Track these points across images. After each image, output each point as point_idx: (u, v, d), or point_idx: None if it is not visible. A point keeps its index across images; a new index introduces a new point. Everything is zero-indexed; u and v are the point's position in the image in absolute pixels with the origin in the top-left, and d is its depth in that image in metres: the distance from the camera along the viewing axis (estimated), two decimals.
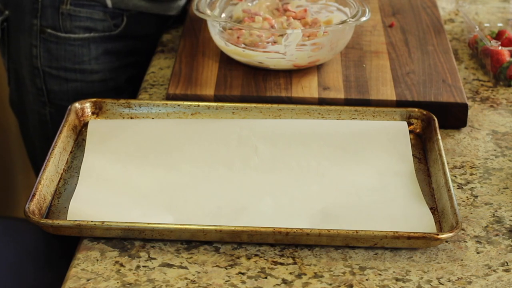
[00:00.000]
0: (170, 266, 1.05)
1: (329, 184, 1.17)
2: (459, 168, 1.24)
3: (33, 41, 1.54)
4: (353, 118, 1.30)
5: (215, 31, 1.39)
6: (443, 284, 1.03)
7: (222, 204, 1.13)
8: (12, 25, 1.57)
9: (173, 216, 1.10)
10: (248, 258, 1.06)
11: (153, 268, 1.04)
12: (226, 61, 1.41)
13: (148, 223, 1.06)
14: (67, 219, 1.10)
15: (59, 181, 1.18)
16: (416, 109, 1.30)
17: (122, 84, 1.60)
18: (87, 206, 1.11)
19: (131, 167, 1.19)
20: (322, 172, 1.19)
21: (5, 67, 1.65)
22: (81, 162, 1.21)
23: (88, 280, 1.02)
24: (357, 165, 1.21)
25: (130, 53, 1.59)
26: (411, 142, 1.28)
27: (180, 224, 1.07)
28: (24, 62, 1.57)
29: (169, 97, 1.33)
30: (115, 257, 1.06)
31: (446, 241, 1.09)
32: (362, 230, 1.05)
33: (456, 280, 1.04)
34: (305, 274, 1.04)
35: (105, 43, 1.55)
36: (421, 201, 1.14)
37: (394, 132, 1.26)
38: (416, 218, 1.11)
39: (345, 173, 1.19)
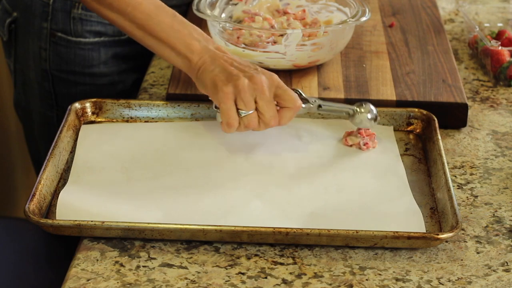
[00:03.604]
0: (170, 266, 1.05)
1: (318, 186, 1.17)
2: (459, 168, 1.24)
3: (42, 44, 1.54)
4: None
5: (215, 31, 1.39)
6: (443, 284, 1.03)
7: (211, 204, 1.13)
8: (20, 27, 1.56)
9: (162, 211, 1.10)
10: (248, 258, 1.06)
11: (153, 268, 1.04)
12: None
13: (148, 223, 1.07)
14: (57, 211, 1.10)
15: (59, 181, 1.18)
16: (416, 109, 1.30)
17: (129, 87, 1.60)
18: (75, 201, 1.12)
19: (121, 169, 1.19)
20: (312, 174, 1.19)
21: (10, 69, 1.65)
22: None
23: (88, 280, 1.02)
24: (346, 166, 1.21)
25: (138, 57, 1.59)
26: (411, 142, 1.28)
27: (180, 224, 1.07)
28: (32, 64, 1.57)
29: (169, 97, 1.33)
30: (115, 257, 1.06)
31: (446, 241, 1.09)
32: (362, 230, 1.05)
33: (456, 280, 1.04)
34: (305, 274, 1.04)
35: (114, 47, 1.55)
36: (410, 199, 1.14)
37: (381, 135, 1.27)
38: (405, 216, 1.11)
39: (333, 174, 1.20)
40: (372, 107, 1.25)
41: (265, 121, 1.19)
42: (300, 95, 1.24)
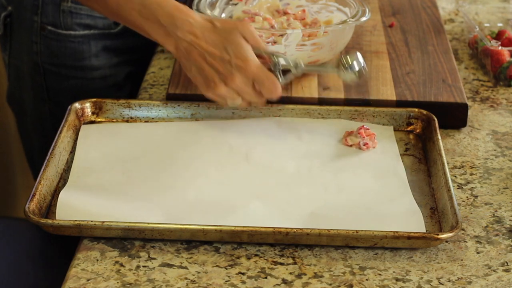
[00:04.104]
0: (170, 266, 1.05)
1: (318, 186, 1.17)
2: (459, 168, 1.24)
3: (33, 38, 1.54)
4: (353, 119, 1.30)
5: None
6: (443, 284, 1.03)
7: (211, 204, 1.13)
8: (14, 21, 1.57)
9: (162, 211, 1.10)
10: (248, 258, 1.06)
11: (153, 268, 1.04)
12: None
13: (148, 223, 1.07)
14: (57, 211, 1.10)
15: (59, 181, 1.18)
16: (416, 109, 1.30)
17: (121, 81, 1.60)
18: (75, 201, 1.12)
19: (121, 169, 1.19)
20: (312, 174, 1.19)
21: (5, 63, 1.65)
22: None
23: (88, 280, 1.02)
24: (346, 166, 1.21)
25: (130, 50, 1.59)
26: (411, 142, 1.28)
27: (180, 224, 1.07)
28: (25, 58, 1.57)
29: (169, 97, 1.33)
30: (115, 257, 1.06)
31: (446, 241, 1.09)
32: (362, 230, 1.05)
33: (456, 280, 1.04)
34: (305, 274, 1.04)
35: (104, 40, 1.55)
36: (410, 199, 1.14)
37: (380, 135, 1.27)
38: (405, 216, 1.11)
39: (333, 174, 1.19)
40: (358, 56, 1.22)
41: (253, 105, 1.24)
42: (278, 62, 1.23)
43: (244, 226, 1.06)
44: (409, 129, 1.30)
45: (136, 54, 1.59)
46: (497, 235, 1.11)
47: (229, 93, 1.20)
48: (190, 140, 1.25)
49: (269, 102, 1.31)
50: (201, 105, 1.31)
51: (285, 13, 1.42)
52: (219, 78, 1.20)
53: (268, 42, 1.36)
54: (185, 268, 1.04)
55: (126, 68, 1.60)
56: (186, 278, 1.03)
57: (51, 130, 1.60)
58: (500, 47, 1.44)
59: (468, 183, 1.21)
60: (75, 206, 1.11)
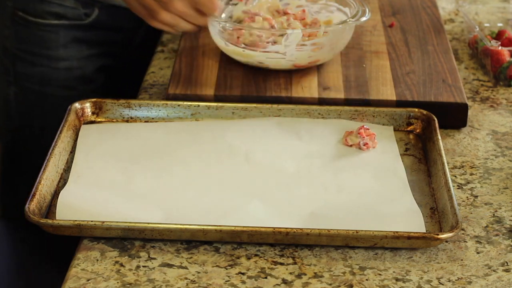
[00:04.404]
0: (170, 266, 1.05)
1: (318, 186, 1.17)
2: (459, 168, 1.24)
3: (5, 22, 1.54)
4: (353, 119, 1.30)
5: (215, 31, 1.39)
6: (443, 284, 1.03)
7: (211, 204, 1.13)
8: None
9: (162, 211, 1.10)
10: (248, 258, 1.06)
11: (153, 268, 1.05)
12: (226, 61, 1.41)
13: (148, 223, 1.07)
14: (57, 211, 1.10)
15: (59, 181, 1.18)
16: (416, 109, 1.30)
17: (90, 74, 1.58)
18: (75, 201, 1.12)
19: (121, 169, 1.19)
20: (312, 174, 1.19)
21: None
22: None
23: (88, 280, 1.02)
24: (346, 166, 1.21)
25: (102, 44, 1.58)
26: (411, 142, 1.28)
27: (180, 224, 1.07)
28: None
29: (169, 97, 1.33)
30: (115, 257, 1.06)
31: (446, 241, 1.09)
32: (362, 230, 1.05)
33: (456, 280, 1.04)
34: (305, 274, 1.04)
35: (74, 31, 1.54)
36: (410, 199, 1.14)
37: (380, 135, 1.27)
38: (405, 216, 1.11)
39: (333, 174, 1.19)
40: None
41: (200, 27, 1.34)
42: None
43: (244, 226, 1.06)
44: (409, 129, 1.30)
45: (109, 47, 1.58)
46: (497, 235, 1.11)
47: (172, 19, 1.29)
48: (190, 140, 1.25)
49: (269, 102, 1.31)
50: (201, 105, 1.31)
51: (285, 13, 1.42)
52: (159, 6, 1.27)
53: (268, 42, 1.36)
54: (185, 268, 1.05)
55: (99, 61, 1.59)
56: (186, 278, 1.03)
57: (16, 113, 1.60)
58: (500, 47, 1.44)
59: (468, 183, 1.21)
60: (75, 206, 1.11)
